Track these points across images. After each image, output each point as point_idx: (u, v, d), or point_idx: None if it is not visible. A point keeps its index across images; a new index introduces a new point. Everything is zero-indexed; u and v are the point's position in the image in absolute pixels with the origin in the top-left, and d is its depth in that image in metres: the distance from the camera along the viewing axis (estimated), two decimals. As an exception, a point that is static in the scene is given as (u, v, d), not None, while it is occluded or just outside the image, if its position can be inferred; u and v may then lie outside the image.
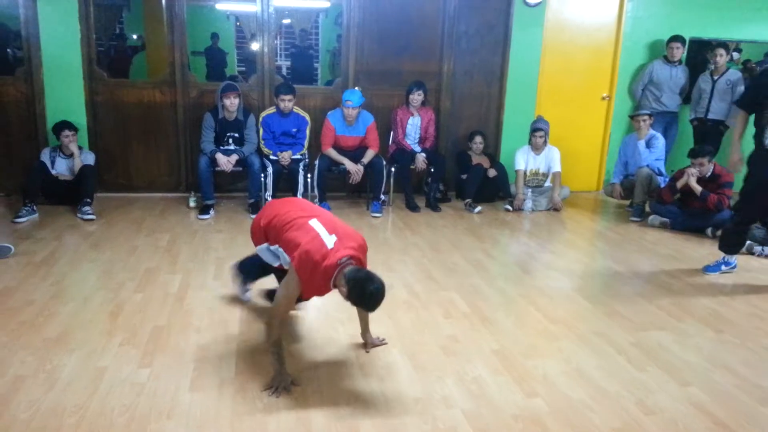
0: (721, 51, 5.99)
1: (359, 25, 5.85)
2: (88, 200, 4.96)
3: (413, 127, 5.78)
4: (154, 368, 2.57)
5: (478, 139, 6.02)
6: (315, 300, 3.36)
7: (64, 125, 5.10)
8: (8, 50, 5.98)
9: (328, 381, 2.52)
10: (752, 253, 4.58)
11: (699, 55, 6.62)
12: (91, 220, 4.83)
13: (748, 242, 4.65)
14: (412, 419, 2.27)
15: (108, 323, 2.99)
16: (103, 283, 3.54)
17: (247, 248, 4.17)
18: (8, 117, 5.41)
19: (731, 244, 4.09)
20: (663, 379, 2.65)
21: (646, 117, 5.74)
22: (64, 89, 5.41)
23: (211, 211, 5.17)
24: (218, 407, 2.30)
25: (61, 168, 5.15)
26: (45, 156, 5.13)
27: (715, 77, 6.07)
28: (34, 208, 4.86)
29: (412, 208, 5.61)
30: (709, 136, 6.10)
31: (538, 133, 5.84)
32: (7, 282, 3.48)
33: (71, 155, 5.14)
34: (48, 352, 2.66)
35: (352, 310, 3.21)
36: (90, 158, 5.25)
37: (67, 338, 2.81)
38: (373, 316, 3.16)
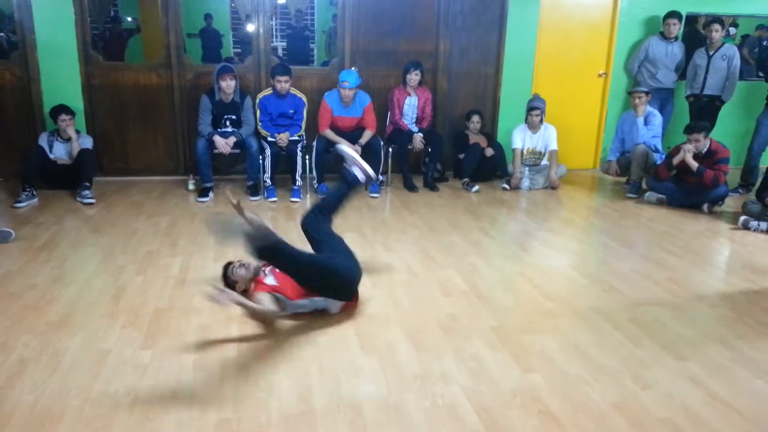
0: (717, 26, 5.96)
1: (355, 4, 5.81)
2: (88, 184, 4.97)
3: (410, 107, 5.77)
4: (157, 350, 2.60)
5: (476, 118, 6.02)
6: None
7: (61, 109, 5.09)
8: (2, 34, 5.94)
9: (328, 359, 2.56)
10: (748, 228, 4.61)
11: (695, 30, 6.59)
12: (91, 204, 4.84)
13: (743, 217, 4.68)
14: (411, 396, 2.31)
15: (110, 306, 3.02)
16: (104, 266, 3.57)
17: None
18: (4, 102, 5.40)
19: None
20: (659, 353, 2.69)
21: (642, 95, 5.72)
22: (60, 73, 5.39)
23: (210, 194, 5.18)
24: (220, 387, 2.33)
25: (59, 152, 5.15)
26: (43, 140, 5.13)
27: (711, 52, 6.05)
28: (34, 192, 4.87)
29: (410, 188, 5.62)
30: (704, 112, 6.10)
31: (534, 111, 5.83)
32: (9, 266, 3.50)
33: (69, 139, 5.13)
34: (51, 336, 2.69)
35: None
36: (88, 142, 5.25)
37: (70, 321, 2.84)
38: (372, 294, 3.21)
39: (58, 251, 3.79)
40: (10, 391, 2.26)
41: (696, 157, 5.05)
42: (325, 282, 2.85)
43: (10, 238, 3.91)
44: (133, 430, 2.07)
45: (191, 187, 5.37)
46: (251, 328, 2.83)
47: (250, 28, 5.95)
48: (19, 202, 4.72)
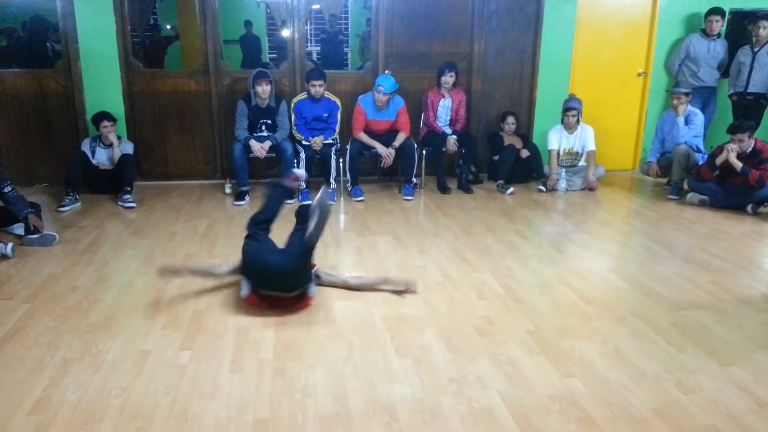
0: (765, 23, 5.78)
1: (388, 8, 5.81)
2: (129, 188, 5.09)
3: (444, 109, 5.75)
4: (195, 350, 2.64)
5: (510, 119, 5.96)
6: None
7: (103, 116, 5.22)
8: (48, 44, 6.13)
9: (364, 362, 2.56)
10: (796, 231, 4.45)
11: (740, 27, 6.40)
12: (132, 207, 4.95)
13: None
14: (447, 400, 2.29)
15: (150, 308, 3.08)
16: (144, 268, 3.64)
17: (281, 233, 4.25)
18: (49, 109, 5.57)
19: None
20: (703, 359, 2.62)
21: (682, 95, 5.57)
22: (102, 80, 5.53)
23: (247, 197, 5.25)
24: (258, 388, 2.36)
25: (101, 158, 5.28)
26: (85, 146, 5.27)
27: (756, 49, 5.86)
28: (77, 197, 5.01)
29: (444, 190, 5.60)
30: (749, 111, 5.92)
31: (570, 112, 5.75)
32: (53, 269, 3.60)
33: (111, 145, 5.26)
34: (93, 336, 2.76)
35: (387, 296, 3.25)
36: (129, 148, 5.37)
37: (111, 323, 2.91)
38: (407, 298, 3.20)
39: (100, 254, 3.89)
40: (55, 390, 2.32)
41: (740, 156, 4.91)
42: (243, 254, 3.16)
43: (54, 241, 4.03)
44: (172, 429, 2.10)
45: (228, 190, 5.45)
46: (288, 329, 2.85)
47: (285, 33, 6.01)
48: (63, 206, 4.86)
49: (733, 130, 4.95)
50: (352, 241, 4.10)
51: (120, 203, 5.00)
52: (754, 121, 5.34)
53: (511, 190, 5.60)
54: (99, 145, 5.29)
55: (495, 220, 4.76)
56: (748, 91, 5.96)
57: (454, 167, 6.11)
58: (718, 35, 6.13)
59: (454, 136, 5.64)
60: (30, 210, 4.07)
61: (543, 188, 5.73)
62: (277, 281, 2.98)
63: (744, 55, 5.97)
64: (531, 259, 3.89)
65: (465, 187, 5.68)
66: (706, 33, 6.12)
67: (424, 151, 5.70)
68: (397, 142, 5.42)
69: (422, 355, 2.62)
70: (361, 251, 3.93)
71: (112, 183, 5.18)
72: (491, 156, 6.06)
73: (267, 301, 3.04)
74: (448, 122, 5.79)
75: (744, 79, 5.96)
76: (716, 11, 6.02)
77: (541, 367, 2.54)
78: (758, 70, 5.87)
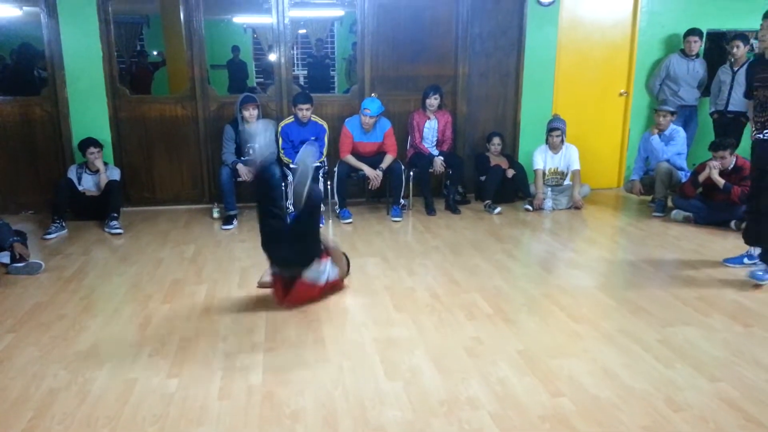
0: (738, 42, 5.91)
1: (373, 32, 5.89)
2: (115, 215, 5.07)
3: (430, 131, 5.80)
4: (183, 378, 2.62)
5: (496, 140, 6.02)
6: (340, 304, 3.41)
7: (89, 142, 5.21)
8: (35, 71, 6.14)
9: (353, 386, 2.55)
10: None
11: (718, 47, 6.54)
12: (119, 234, 4.93)
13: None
14: (438, 422, 2.28)
15: (137, 335, 3.06)
16: (131, 295, 3.62)
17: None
18: (35, 136, 5.55)
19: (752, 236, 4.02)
20: (691, 375, 2.63)
21: (667, 113, 5.67)
22: (89, 107, 5.54)
23: (235, 222, 5.24)
24: (246, 414, 2.34)
25: (87, 184, 5.27)
26: (72, 173, 5.25)
27: (735, 68, 5.99)
28: (63, 224, 4.98)
29: (432, 211, 5.62)
30: (730, 129, 6.02)
31: (554, 132, 5.82)
32: (39, 297, 3.57)
33: (97, 171, 5.25)
34: (80, 365, 2.73)
35: (376, 317, 3.25)
36: (115, 174, 5.36)
37: (98, 351, 2.88)
38: (396, 319, 3.20)
39: (86, 281, 3.86)
40: (41, 422, 2.29)
41: (722, 173, 4.98)
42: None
43: (40, 269, 3.99)
44: (160, 458, 2.08)
45: (216, 215, 5.45)
46: (276, 354, 2.83)
47: (272, 57, 6.06)
48: (49, 233, 4.82)
49: (714, 147, 5.03)
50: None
51: (107, 230, 4.97)
52: (735, 139, 5.43)
53: (498, 209, 5.64)
54: (85, 172, 5.28)
55: (483, 239, 4.78)
56: (729, 109, 6.07)
57: (441, 188, 6.14)
58: (697, 55, 6.26)
59: (441, 157, 5.68)
60: (15, 238, 4.05)
61: (530, 207, 5.77)
62: (281, 249, 3.30)
63: (724, 74, 6.09)
64: (519, 278, 3.90)
65: (453, 208, 5.71)
66: (685, 53, 6.25)
67: (411, 173, 5.74)
68: (384, 164, 5.45)
69: (412, 377, 2.61)
70: (350, 273, 3.93)
71: (99, 209, 5.15)
72: (478, 176, 6.11)
73: (283, 290, 3.33)
74: (435, 144, 5.84)
75: (724, 97, 6.07)
76: (694, 32, 6.15)
77: (531, 386, 2.54)
78: (737, 89, 5.98)
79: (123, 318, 3.28)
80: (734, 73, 5.99)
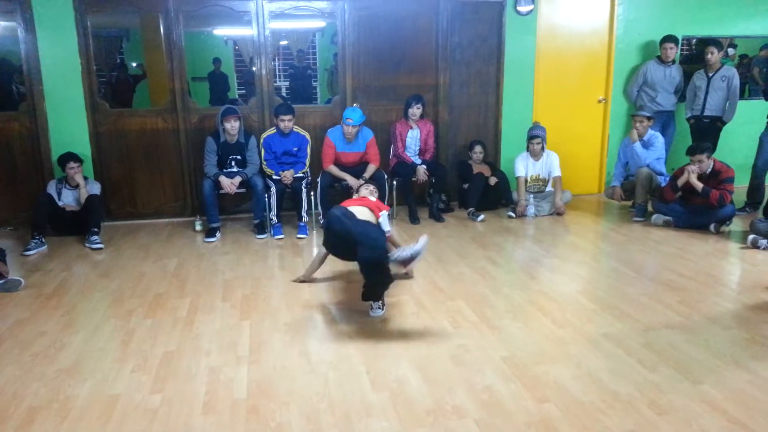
0: (712, 49, 6.02)
1: (354, 43, 5.91)
2: (96, 229, 5.01)
3: (413, 140, 5.83)
4: (166, 393, 2.59)
5: (478, 148, 6.06)
6: (325, 315, 3.40)
7: (69, 157, 5.16)
8: (13, 86, 6.07)
9: (339, 398, 2.54)
10: (757, 247, 4.58)
11: (695, 53, 6.66)
12: (100, 249, 4.87)
13: (752, 236, 4.66)
14: (424, 431, 2.28)
15: (119, 351, 3.02)
16: (113, 311, 3.57)
17: (253, 268, 4.21)
18: (13, 152, 5.48)
19: None
20: (674, 378, 2.66)
21: (644, 119, 5.75)
22: (68, 122, 5.48)
23: (217, 234, 5.21)
24: (231, 428, 2.32)
25: (67, 199, 5.21)
26: (51, 188, 5.19)
27: (710, 74, 6.09)
28: (43, 240, 4.92)
29: (416, 220, 5.63)
30: (706, 133, 6.11)
31: (534, 140, 5.87)
32: (19, 315, 3.51)
33: (77, 186, 5.20)
34: (61, 383, 2.69)
35: (362, 328, 3.25)
36: (96, 188, 5.30)
37: (80, 367, 2.84)
38: (382, 328, 3.20)
39: (67, 298, 3.81)
40: (21, 441, 2.25)
41: (700, 177, 5.05)
42: None
43: (20, 286, 3.94)
44: (144, 476, 2.05)
45: (198, 228, 5.41)
46: (261, 367, 2.82)
47: (254, 69, 6.06)
48: (29, 250, 4.76)
49: (691, 151, 5.10)
50: (325, 274, 4.09)
51: (87, 245, 4.92)
52: (711, 143, 5.51)
53: (481, 217, 5.67)
54: (65, 187, 5.22)
55: (467, 247, 4.80)
56: (705, 114, 6.17)
57: (424, 197, 6.16)
58: (673, 61, 6.36)
59: (424, 166, 5.70)
60: (-6, 255, 3.99)
61: (512, 214, 5.81)
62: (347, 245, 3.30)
63: (699, 79, 6.19)
64: (503, 285, 3.92)
65: (436, 216, 5.72)
66: (661, 60, 6.34)
67: (394, 182, 5.75)
68: (367, 174, 5.45)
69: (398, 388, 2.61)
70: (334, 282, 3.92)
71: (79, 224, 5.09)
72: (461, 184, 6.14)
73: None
74: (417, 152, 5.86)
75: (700, 102, 6.17)
76: (670, 39, 6.25)
77: (517, 393, 2.54)
78: (713, 94, 6.09)
79: (105, 334, 3.24)
80: (709, 79, 6.09)
